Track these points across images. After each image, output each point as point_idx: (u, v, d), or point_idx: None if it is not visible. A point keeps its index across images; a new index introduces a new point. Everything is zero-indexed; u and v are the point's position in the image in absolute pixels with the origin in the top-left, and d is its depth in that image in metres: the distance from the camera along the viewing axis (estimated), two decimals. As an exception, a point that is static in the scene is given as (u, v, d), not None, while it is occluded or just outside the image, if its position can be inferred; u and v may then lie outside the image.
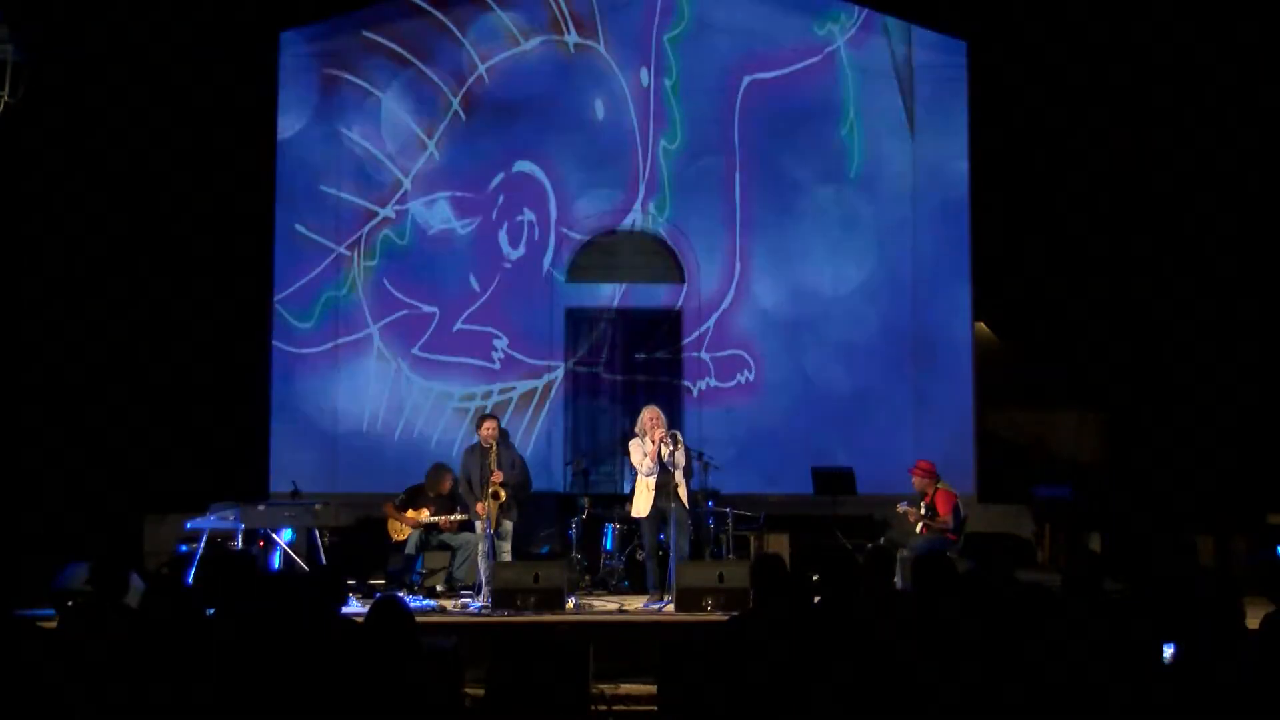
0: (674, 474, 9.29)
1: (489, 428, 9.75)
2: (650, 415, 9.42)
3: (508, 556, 9.65)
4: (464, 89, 12.20)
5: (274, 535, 9.97)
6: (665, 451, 9.24)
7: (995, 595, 5.18)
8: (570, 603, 9.01)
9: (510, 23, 12.25)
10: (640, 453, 9.38)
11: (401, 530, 10.00)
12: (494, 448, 9.58)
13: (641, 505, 9.43)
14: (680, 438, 9.53)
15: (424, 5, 12.24)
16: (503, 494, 9.52)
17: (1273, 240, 11.32)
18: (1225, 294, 11.50)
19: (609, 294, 12.41)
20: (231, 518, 9.68)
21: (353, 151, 12.18)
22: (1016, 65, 11.85)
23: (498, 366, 12.10)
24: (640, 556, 9.85)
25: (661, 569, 9.51)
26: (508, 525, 9.72)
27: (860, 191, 12.26)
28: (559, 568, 9.06)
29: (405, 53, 12.23)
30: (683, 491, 9.36)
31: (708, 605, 8.52)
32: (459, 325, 12.11)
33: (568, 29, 12.26)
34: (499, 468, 9.51)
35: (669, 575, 9.17)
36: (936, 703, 4.53)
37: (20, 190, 10.98)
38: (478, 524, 9.54)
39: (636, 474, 9.54)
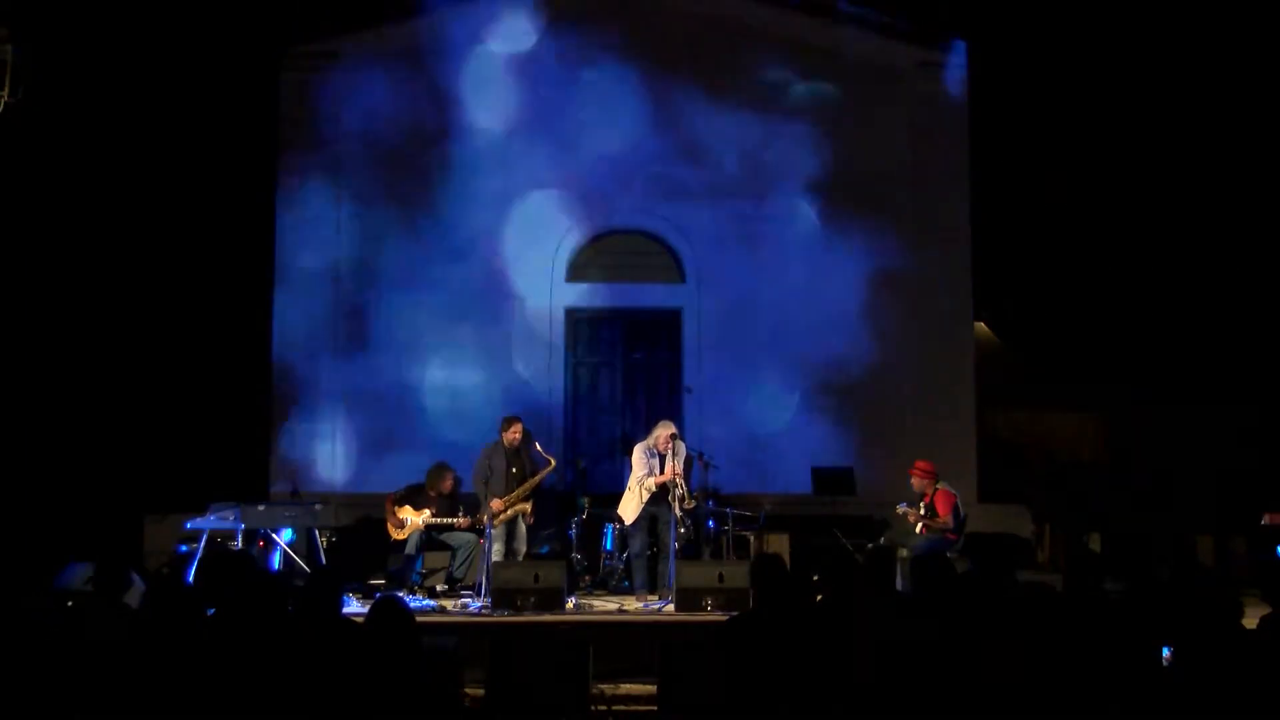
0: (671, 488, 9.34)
1: (515, 431, 9.76)
2: (666, 436, 9.42)
3: (521, 556, 9.71)
4: (464, 87, 12.20)
5: (274, 535, 9.97)
6: (670, 483, 9.28)
7: (995, 595, 5.18)
8: (570, 603, 9.02)
9: (513, 21, 12.25)
10: (645, 468, 9.40)
11: (401, 530, 10.00)
12: (521, 450, 9.72)
13: (630, 510, 9.48)
14: (682, 442, 9.58)
15: (426, 10, 12.25)
16: (528, 509, 9.69)
17: (1273, 240, 11.32)
18: (1225, 294, 11.51)
19: (609, 294, 12.41)
20: (231, 518, 9.68)
21: (355, 150, 12.19)
22: (1016, 65, 11.85)
23: (499, 366, 12.10)
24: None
25: (650, 570, 9.54)
26: (523, 527, 9.78)
27: (860, 192, 12.26)
28: (559, 568, 9.07)
29: (406, 53, 12.24)
30: (677, 504, 9.35)
31: (708, 605, 8.52)
32: (459, 324, 12.11)
33: (570, 29, 12.25)
34: (524, 469, 9.66)
35: (669, 575, 9.18)
36: (936, 702, 4.53)
37: (20, 190, 10.97)
38: (491, 524, 9.52)
39: (631, 475, 9.57)
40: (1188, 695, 4.37)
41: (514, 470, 9.66)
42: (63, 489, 10.71)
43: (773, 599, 5.08)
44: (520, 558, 9.70)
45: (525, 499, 9.67)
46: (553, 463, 9.84)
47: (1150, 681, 4.52)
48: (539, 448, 9.85)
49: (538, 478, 9.73)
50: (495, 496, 9.56)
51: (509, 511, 9.61)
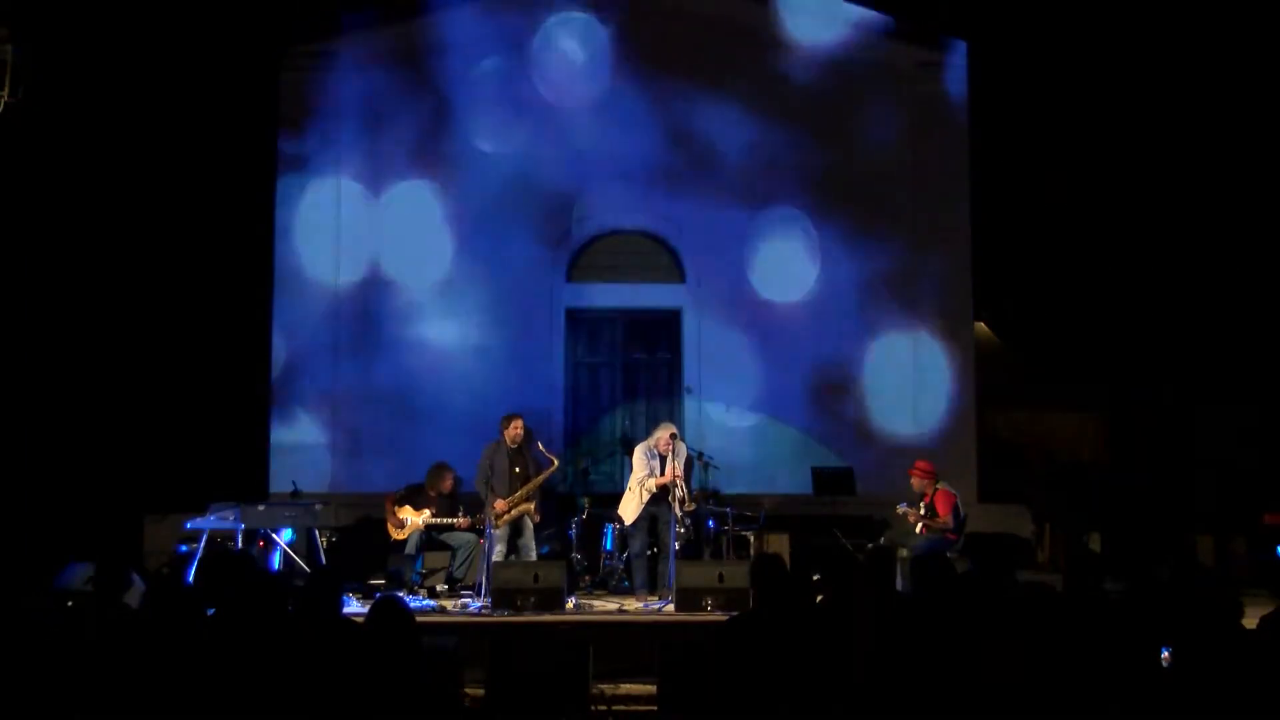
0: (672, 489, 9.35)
1: (516, 427, 9.74)
2: (667, 437, 9.42)
3: (533, 555, 9.72)
4: (463, 87, 12.19)
5: (274, 535, 9.97)
6: (670, 484, 9.29)
7: (995, 595, 5.18)
8: (570, 603, 9.02)
9: (513, 20, 12.25)
10: (646, 469, 9.42)
11: (401, 530, 9.99)
12: (523, 448, 9.71)
13: (630, 511, 9.50)
14: (683, 443, 9.59)
15: (426, 9, 12.25)
16: (532, 508, 9.66)
17: (1274, 240, 11.32)
18: (1225, 293, 11.51)
19: (609, 294, 12.41)
20: (231, 518, 9.68)
21: (354, 149, 12.19)
22: (1016, 65, 11.85)
23: (499, 366, 12.09)
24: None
25: (651, 569, 9.54)
26: (531, 528, 9.77)
27: (860, 191, 12.26)
28: (559, 568, 9.07)
29: (408, 56, 12.23)
30: (677, 505, 9.35)
31: (708, 605, 8.53)
32: (458, 324, 12.11)
33: (570, 29, 12.23)
34: (527, 468, 9.63)
35: (669, 575, 9.18)
36: (936, 702, 4.53)
37: (20, 190, 10.97)
38: (493, 526, 9.50)
39: (632, 476, 9.58)
40: (1188, 695, 4.37)
41: (516, 469, 9.66)
42: (63, 489, 10.70)
43: (773, 599, 5.08)
44: (533, 555, 9.68)
45: (528, 499, 9.66)
46: (555, 463, 9.82)
47: (1150, 681, 4.52)
48: (541, 447, 9.85)
49: (540, 478, 9.71)
50: (498, 496, 9.55)
51: (513, 512, 9.60)
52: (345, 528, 11.09)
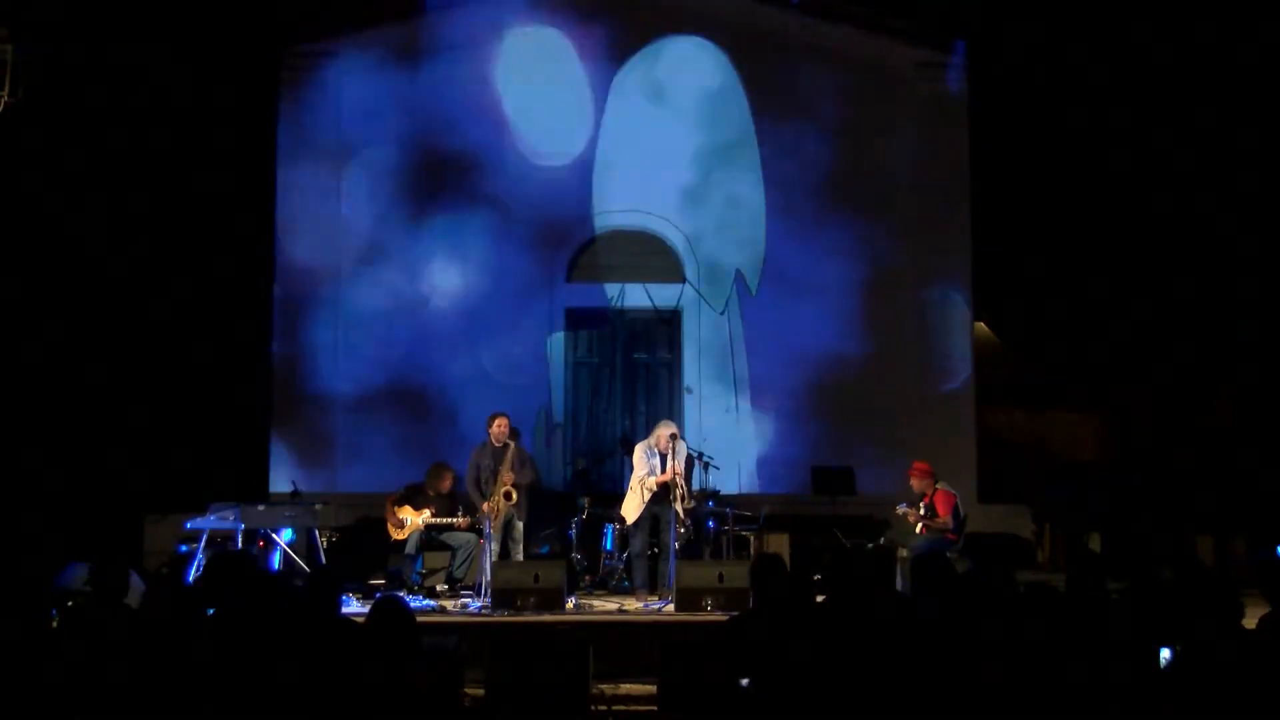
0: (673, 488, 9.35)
1: (500, 425, 9.72)
2: (667, 436, 9.41)
3: (520, 556, 9.68)
4: (463, 86, 12.20)
5: (274, 535, 9.96)
6: (671, 483, 9.29)
7: (995, 595, 5.18)
8: (570, 603, 9.02)
9: (512, 20, 12.26)
10: (646, 467, 9.41)
11: (401, 530, 9.99)
12: (509, 446, 9.62)
13: (632, 510, 9.49)
14: (683, 442, 9.59)
15: (426, 9, 12.25)
16: (514, 494, 9.52)
17: (1273, 240, 11.32)
18: (1225, 294, 11.51)
19: (609, 294, 12.41)
20: (231, 518, 9.67)
21: (355, 149, 12.19)
22: (1016, 65, 11.85)
23: (499, 366, 12.09)
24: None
25: (651, 569, 9.55)
26: (519, 526, 9.74)
27: (860, 191, 12.26)
28: (559, 568, 9.06)
29: (406, 52, 12.24)
30: (678, 502, 9.35)
31: (708, 605, 8.52)
32: (458, 324, 12.11)
33: (569, 27, 12.24)
34: (511, 467, 9.52)
35: (669, 575, 9.18)
36: (936, 703, 4.53)
37: (20, 189, 10.97)
38: (487, 523, 9.48)
39: (633, 475, 9.58)
40: (1188, 695, 4.37)
41: (502, 467, 9.63)
42: (63, 489, 10.70)
43: (773, 599, 5.08)
44: (520, 554, 9.67)
45: (506, 497, 9.54)
46: (505, 444, 9.60)
47: (1150, 681, 4.52)
48: (518, 446, 9.74)
49: (508, 480, 9.47)
50: (483, 496, 9.53)
51: (500, 507, 9.52)
52: (345, 528, 11.10)
